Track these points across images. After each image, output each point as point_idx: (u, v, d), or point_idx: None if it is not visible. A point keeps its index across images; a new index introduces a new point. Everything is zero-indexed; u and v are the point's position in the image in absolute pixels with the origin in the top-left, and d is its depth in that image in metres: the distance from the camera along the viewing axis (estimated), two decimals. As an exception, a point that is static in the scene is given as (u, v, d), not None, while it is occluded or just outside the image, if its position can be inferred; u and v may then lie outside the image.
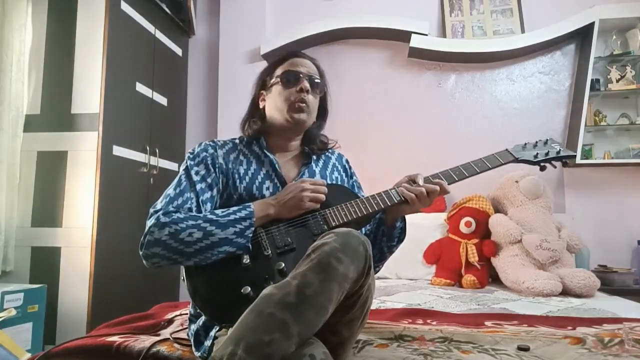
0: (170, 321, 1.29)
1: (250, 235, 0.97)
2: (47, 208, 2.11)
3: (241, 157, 1.13)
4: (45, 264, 2.07)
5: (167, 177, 2.73)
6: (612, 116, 2.59)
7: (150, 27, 2.63)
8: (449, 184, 1.07)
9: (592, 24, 2.49)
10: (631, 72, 2.53)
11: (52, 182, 2.12)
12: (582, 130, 2.47)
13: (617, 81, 2.53)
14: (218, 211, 0.99)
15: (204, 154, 1.10)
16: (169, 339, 1.08)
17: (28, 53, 2.20)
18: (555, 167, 1.21)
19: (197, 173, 1.06)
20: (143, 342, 1.04)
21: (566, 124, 2.66)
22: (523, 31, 2.70)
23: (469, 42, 2.72)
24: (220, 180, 1.08)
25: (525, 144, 1.22)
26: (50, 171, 2.13)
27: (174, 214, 0.96)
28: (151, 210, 0.98)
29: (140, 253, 0.94)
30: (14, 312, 1.77)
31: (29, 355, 1.59)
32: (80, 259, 2.05)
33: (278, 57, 1.21)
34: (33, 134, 2.16)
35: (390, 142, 2.83)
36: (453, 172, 1.11)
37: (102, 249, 2.09)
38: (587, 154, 2.55)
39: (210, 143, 1.13)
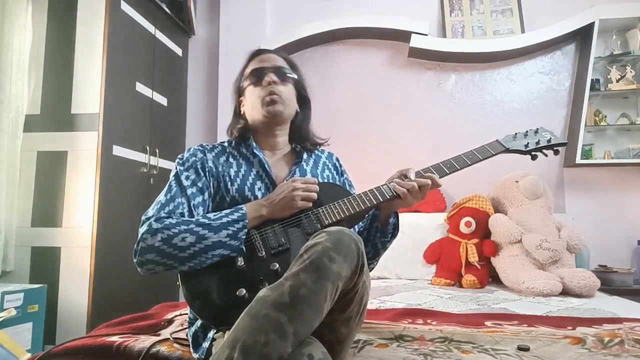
0: (170, 321, 1.29)
1: (244, 237, 0.96)
2: (47, 208, 2.11)
3: (231, 160, 1.13)
4: (45, 264, 2.07)
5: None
6: (612, 116, 2.59)
7: (150, 27, 2.63)
8: (440, 177, 1.07)
9: (592, 24, 2.49)
10: (631, 72, 2.53)
11: (52, 182, 2.12)
12: (582, 130, 2.47)
13: (617, 81, 2.53)
14: (210, 215, 0.99)
15: (193, 158, 1.10)
16: (169, 339, 1.08)
17: (28, 53, 2.20)
18: (546, 155, 1.18)
19: (187, 178, 1.06)
20: (143, 342, 1.04)
21: (566, 124, 2.66)
22: (523, 31, 2.70)
23: (469, 42, 2.72)
24: (211, 183, 1.08)
25: (516, 134, 1.20)
26: (50, 171, 2.13)
27: (166, 219, 0.95)
28: (143, 218, 0.97)
29: (135, 260, 0.94)
30: (14, 312, 1.77)
31: (29, 355, 1.59)
32: (80, 259, 2.05)
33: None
34: (33, 134, 2.15)
35: (390, 142, 2.83)
36: (444, 165, 1.10)
37: (102, 249, 2.08)
38: (587, 154, 2.55)
39: (199, 147, 1.14)
